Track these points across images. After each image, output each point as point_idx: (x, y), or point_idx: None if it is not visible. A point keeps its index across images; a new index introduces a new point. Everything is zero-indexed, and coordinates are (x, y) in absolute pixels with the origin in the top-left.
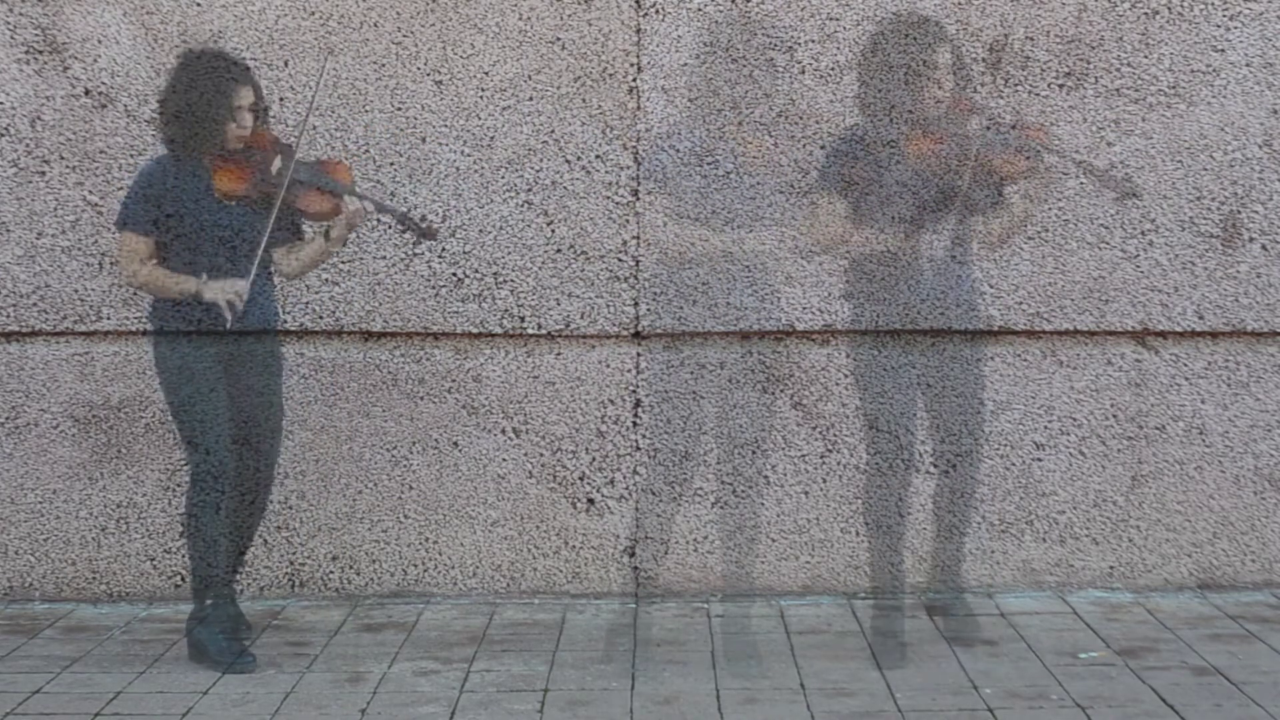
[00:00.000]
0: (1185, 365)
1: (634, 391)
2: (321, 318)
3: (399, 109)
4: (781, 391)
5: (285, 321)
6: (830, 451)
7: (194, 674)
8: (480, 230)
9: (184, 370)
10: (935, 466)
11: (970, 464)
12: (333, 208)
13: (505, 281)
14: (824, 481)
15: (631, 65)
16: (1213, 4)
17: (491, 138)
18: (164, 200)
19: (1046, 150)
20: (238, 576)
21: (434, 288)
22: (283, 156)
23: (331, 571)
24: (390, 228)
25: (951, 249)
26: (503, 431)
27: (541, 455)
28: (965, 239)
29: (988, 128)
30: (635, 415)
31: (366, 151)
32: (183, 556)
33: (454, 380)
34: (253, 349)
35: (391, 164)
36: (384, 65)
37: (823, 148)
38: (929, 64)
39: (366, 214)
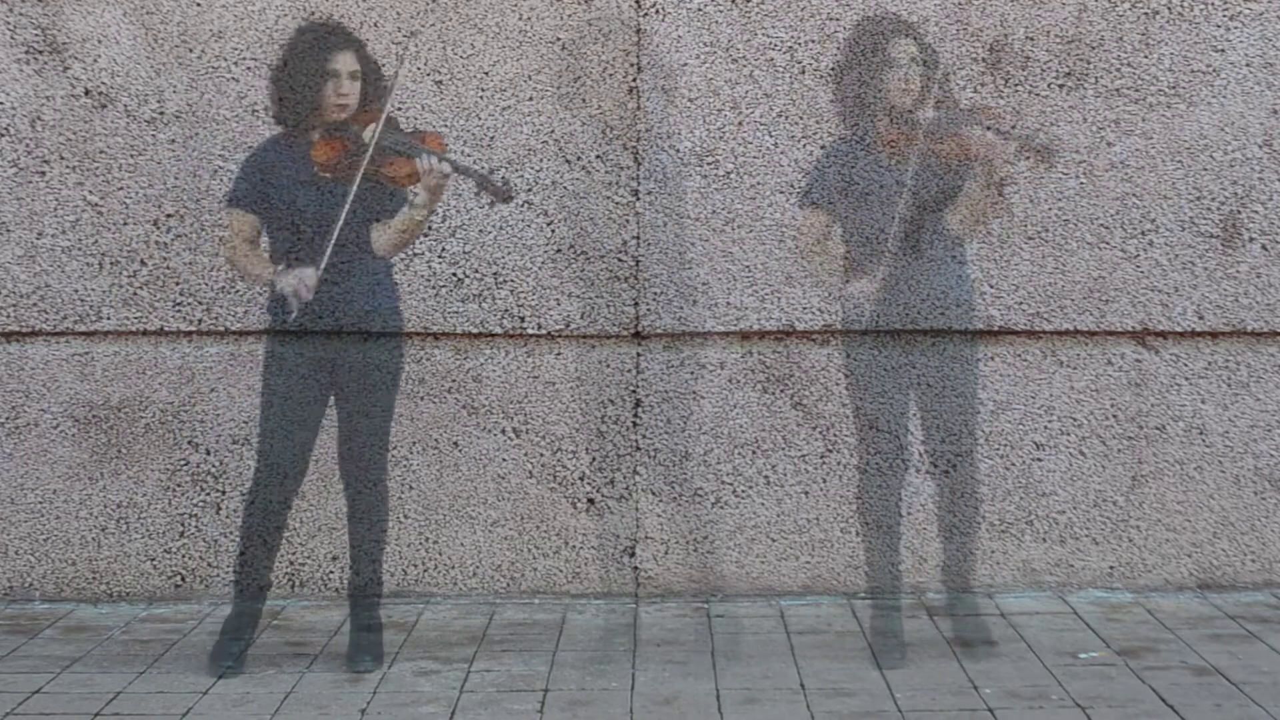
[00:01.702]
0: (1185, 365)
1: (634, 391)
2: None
3: (399, 109)
4: (781, 391)
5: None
6: (830, 451)
7: (194, 674)
8: (480, 230)
9: (280, 370)
10: (935, 466)
11: (969, 464)
12: (411, 171)
13: (505, 281)
14: (824, 481)
15: (631, 65)
16: (1213, 4)
17: (491, 138)
18: (270, 177)
19: (994, 131)
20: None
21: (434, 288)
22: (376, 125)
23: (331, 571)
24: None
25: (924, 244)
26: (503, 431)
27: (541, 455)
28: (932, 232)
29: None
30: (635, 415)
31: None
32: (183, 557)
33: (454, 380)
34: (352, 352)
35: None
36: (384, 65)
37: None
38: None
39: (444, 174)
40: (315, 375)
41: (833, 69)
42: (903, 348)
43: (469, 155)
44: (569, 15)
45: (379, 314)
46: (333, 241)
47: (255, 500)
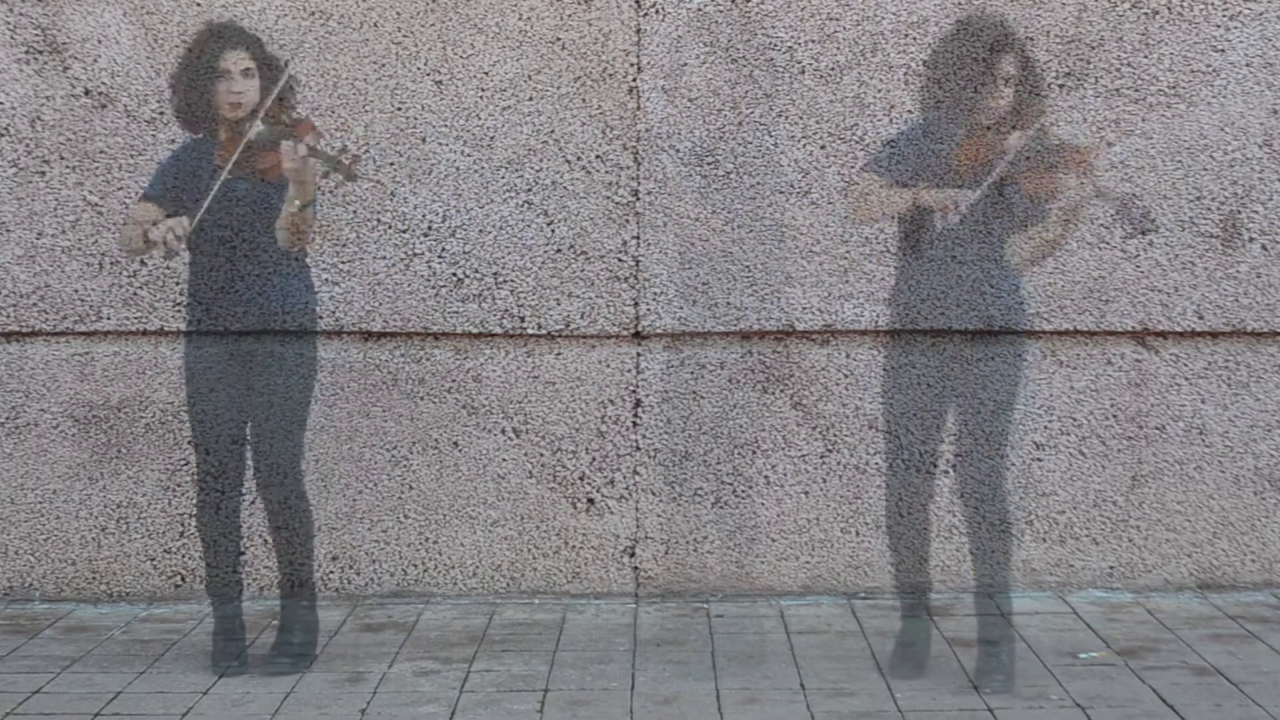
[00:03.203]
0: (1185, 365)
1: (634, 391)
2: (321, 318)
3: (399, 109)
4: (781, 391)
5: (288, 322)
6: (830, 451)
7: (194, 674)
8: (480, 230)
9: (196, 369)
10: (936, 466)
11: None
12: (277, 162)
13: (505, 281)
14: (824, 481)
15: (631, 65)
16: (1213, 4)
17: (491, 138)
18: (181, 176)
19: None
20: (239, 577)
21: (434, 288)
22: (255, 120)
23: (331, 571)
24: (390, 227)
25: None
26: (503, 431)
27: (541, 455)
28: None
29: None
30: (635, 415)
31: (366, 151)
32: (183, 557)
33: (454, 380)
34: (259, 353)
35: (391, 164)
36: (384, 65)
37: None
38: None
39: (300, 156)
40: (231, 375)
41: (924, 64)
42: (946, 349)
43: (469, 155)
44: (569, 15)
45: (290, 313)
46: (206, 205)
47: (203, 504)
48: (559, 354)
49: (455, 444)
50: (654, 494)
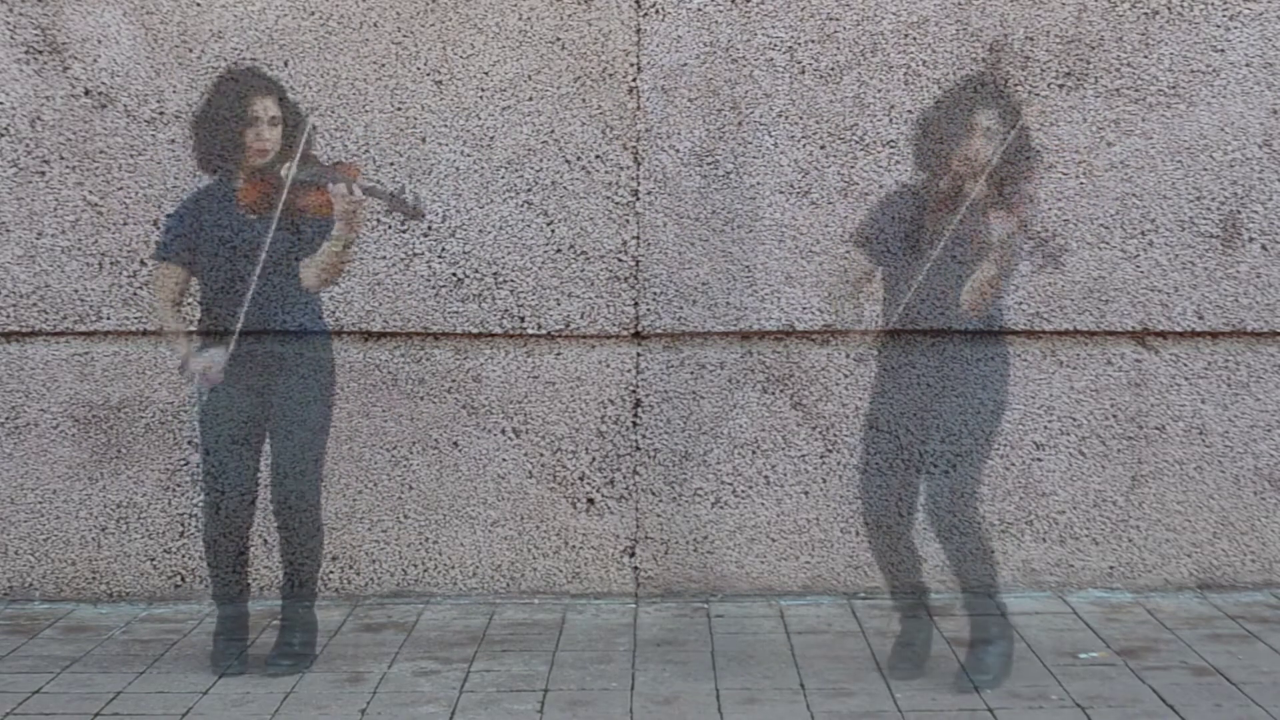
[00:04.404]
0: (1185, 365)
1: (634, 391)
2: (321, 318)
3: (399, 109)
4: (781, 391)
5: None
6: (830, 451)
7: (194, 674)
8: (480, 230)
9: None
10: (935, 466)
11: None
12: (325, 200)
13: (505, 281)
14: (824, 481)
15: (631, 65)
16: (1213, 4)
17: (491, 138)
18: (200, 227)
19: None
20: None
21: (434, 288)
22: (291, 161)
23: (331, 571)
24: (390, 227)
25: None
26: (503, 431)
27: (541, 455)
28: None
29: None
30: (635, 415)
31: (366, 151)
32: (183, 557)
33: (454, 380)
34: (279, 380)
35: (391, 164)
36: (384, 65)
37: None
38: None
39: (355, 200)
40: (248, 397)
41: (915, 127)
42: (946, 349)
43: (469, 155)
44: (569, 15)
45: (290, 314)
46: (245, 307)
47: (214, 512)
48: (559, 354)
49: (455, 444)
50: (654, 494)
